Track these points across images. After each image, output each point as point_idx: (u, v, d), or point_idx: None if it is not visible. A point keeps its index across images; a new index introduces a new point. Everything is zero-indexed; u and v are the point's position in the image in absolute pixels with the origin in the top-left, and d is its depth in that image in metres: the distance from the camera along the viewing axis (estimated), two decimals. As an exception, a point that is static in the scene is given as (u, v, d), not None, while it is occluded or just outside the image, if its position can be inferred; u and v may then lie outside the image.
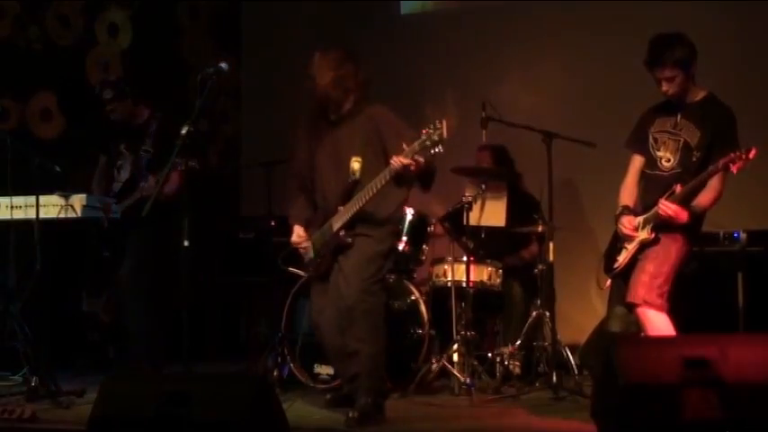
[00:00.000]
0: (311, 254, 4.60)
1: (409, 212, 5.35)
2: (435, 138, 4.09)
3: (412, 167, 4.20)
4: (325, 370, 5.20)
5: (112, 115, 5.73)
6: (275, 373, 5.35)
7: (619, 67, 6.08)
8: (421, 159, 4.18)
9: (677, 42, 4.32)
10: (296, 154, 4.73)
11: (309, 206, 4.68)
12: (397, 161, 4.19)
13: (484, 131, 5.15)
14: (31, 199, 4.94)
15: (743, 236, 5.46)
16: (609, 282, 4.58)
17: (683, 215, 4.26)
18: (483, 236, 5.73)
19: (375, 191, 4.32)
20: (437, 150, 4.12)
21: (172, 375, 4.43)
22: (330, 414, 4.54)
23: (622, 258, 4.46)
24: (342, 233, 4.43)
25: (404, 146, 4.19)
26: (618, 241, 4.53)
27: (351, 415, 4.25)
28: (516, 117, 5.34)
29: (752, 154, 4.06)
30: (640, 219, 4.41)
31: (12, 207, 5.11)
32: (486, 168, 5.68)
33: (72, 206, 5.15)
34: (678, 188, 4.28)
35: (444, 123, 4.09)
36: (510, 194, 5.67)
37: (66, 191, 5.20)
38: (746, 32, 6.08)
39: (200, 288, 6.96)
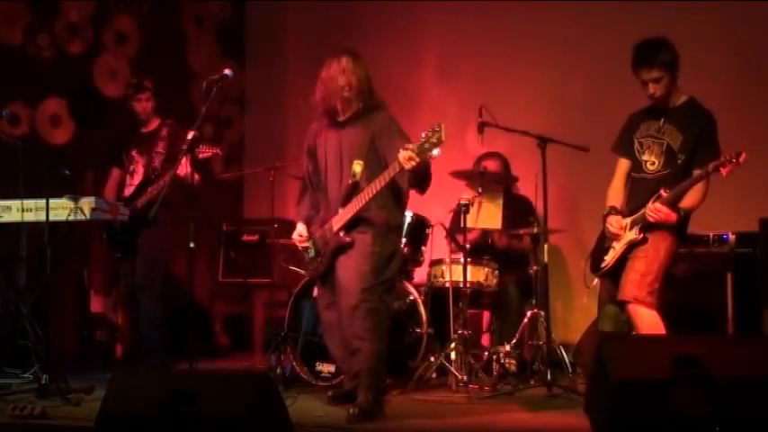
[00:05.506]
0: (312, 253, 4.65)
1: (408, 215, 5.36)
2: (434, 140, 4.08)
3: (417, 163, 4.14)
4: (326, 368, 5.26)
5: (141, 106, 5.76)
6: (278, 371, 5.41)
7: (614, 73, 6.07)
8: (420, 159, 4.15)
9: (664, 46, 4.45)
10: (305, 153, 4.73)
11: (314, 205, 4.69)
12: (406, 155, 4.13)
13: (480, 136, 5.17)
14: (42, 202, 4.98)
15: (732, 237, 5.52)
16: (596, 281, 4.69)
17: (672, 217, 4.38)
18: (478, 236, 5.82)
19: (378, 189, 4.31)
20: (435, 154, 4.11)
21: (178, 373, 4.54)
22: (331, 410, 4.58)
23: (610, 258, 4.56)
24: (342, 234, 4.46)
25: (406, 146, 4.17)
26: (604, 241, 4.63)
27: (351, 411, 4.30)
28: (512, 122, 5.35)
29: (742, 158, 4.16)
30: (628, 220, 4.51)
31: (23, 210, 5.18)
32: (482, 172, 5.71)
33: (81, 209, 5.22)
34: (664, 192, 4.40)
35: (443, 127, 4.08)
36: (505, 197, 5.71)
37: (75, 194, 5.27)
38: (736, 37, 6.15)
39: (205, 288, 7.10)
